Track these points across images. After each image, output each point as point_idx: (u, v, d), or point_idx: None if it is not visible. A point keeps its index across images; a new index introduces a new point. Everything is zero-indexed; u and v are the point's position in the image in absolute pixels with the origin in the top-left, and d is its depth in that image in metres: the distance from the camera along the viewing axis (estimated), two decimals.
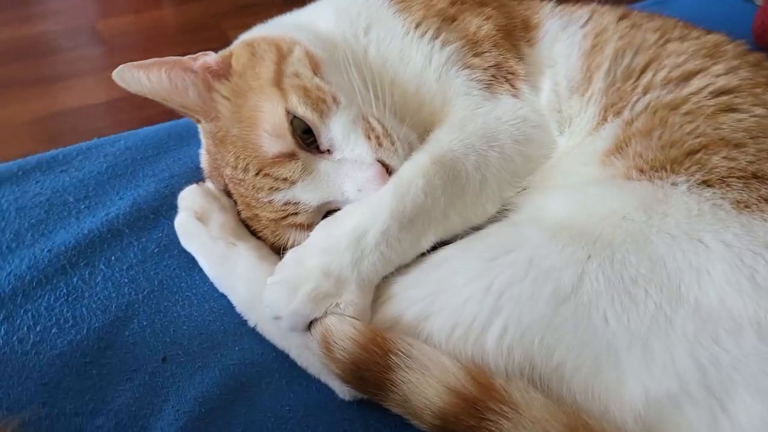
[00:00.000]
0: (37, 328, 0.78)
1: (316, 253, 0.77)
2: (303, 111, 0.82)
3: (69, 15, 2.18)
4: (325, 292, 0.75)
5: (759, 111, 0.84)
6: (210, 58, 0.90)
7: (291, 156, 0.83)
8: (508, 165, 0.87)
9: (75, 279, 0.84)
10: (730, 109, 0.84)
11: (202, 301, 0.86)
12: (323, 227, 0.81)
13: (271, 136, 0.83)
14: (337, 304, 0.76)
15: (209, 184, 0.94)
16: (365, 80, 0.88)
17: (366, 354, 0.73)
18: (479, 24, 0.96)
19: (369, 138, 0.83)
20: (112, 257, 0.88)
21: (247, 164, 0.85)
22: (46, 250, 0.87)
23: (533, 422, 0.66)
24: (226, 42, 0.97)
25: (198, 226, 0.88)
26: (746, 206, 0.75)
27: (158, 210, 0.94)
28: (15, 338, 0.77)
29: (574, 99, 0.92)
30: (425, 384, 0.70)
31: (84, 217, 0.92)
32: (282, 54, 0.88)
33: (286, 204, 0.85)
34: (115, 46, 2.02)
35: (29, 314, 0.80)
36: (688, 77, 0.88)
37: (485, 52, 0.94)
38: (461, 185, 0.83)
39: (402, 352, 0.72)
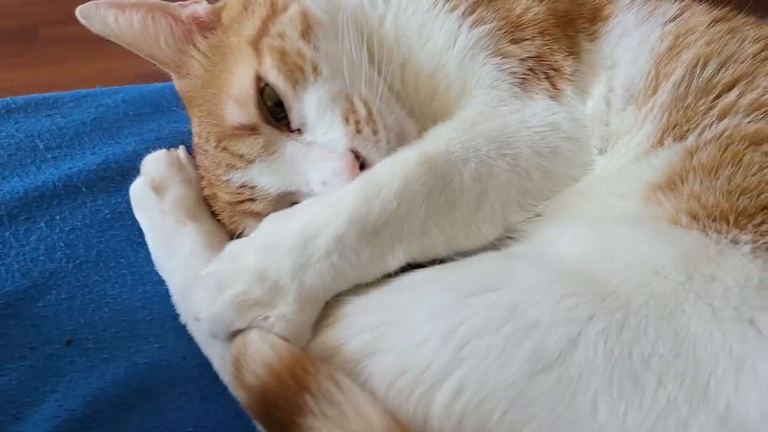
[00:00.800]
0: None
1: (255, 250, 0.63)
2: (275, 77, 0.68)
3: None
4: (254, 299, 0.61)
5: None
6: (201, 7, 0.78)
7: (252, 129, 0.69)
8: (520, 181, 0.68)
9: (7, 233, 0.75)
10: None
11: (137, 283, 0.74)
12: (272, 220, 0.67)
13: (235, 103, 0.69)
14: (266, 317, 0.61)
15: (181, 152, 0.82)
16: (366, 52, 0.73)
17: (278, 386, 0.58)
18: (528, 4, 0.78)
19: (347, 121, 0.68)
20: (57, 216, 0.78)
21: (209, 133, 0.72)
22: None
23: None
24: None
25: (151, 196, 0.76)
26: None
27: (128, 173, 0.83)
28: None
29: (628, 111, 0.72)
30: None
31: (46, 167, 0.83)
32: (275, 10, 0.74)
33: (242, 186, 0.71)
34: None
35: None
36: None
37: (527, 39, 0.75)
38: (451, 197, 0.65)
39: (321, 393, 0.57)
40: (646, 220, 0.63)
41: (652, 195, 0.64)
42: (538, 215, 0.69)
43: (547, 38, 0.76)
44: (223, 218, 0.75)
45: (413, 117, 0.77)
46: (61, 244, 0.75)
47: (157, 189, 0.77)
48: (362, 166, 0.67)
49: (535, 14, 0.77)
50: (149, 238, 0.76)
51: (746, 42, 0.73)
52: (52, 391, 0.64)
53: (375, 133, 0.68)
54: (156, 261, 0.75)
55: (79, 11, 0.72)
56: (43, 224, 0.77)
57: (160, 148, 0.84)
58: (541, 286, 0.59)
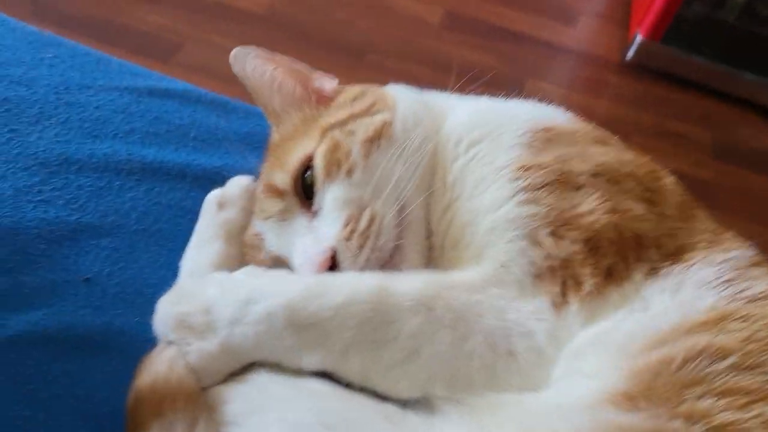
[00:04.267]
0: (54, 192, 0.91)
1: (219, 287, 0.72)
2: (317, 162, 0.76)
3: None
4: (190, 324, 0.70)
5: None
6: (329, 85, 0.90)
7: (280, 194, 0.78)
8: (457, 361, 0.66)
9: (116, 183, 0.94)
10: None
11: (163, 267, 0.88)
12: (248, 271, 0.75)
13: (282, 169, 0.79)
14: (189, 344, 0.70)
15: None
16: (415, 178, 0.77)
17: (146, 400, 0.66)
18: (595, 209, 0.73)
19: (346, 225, 0.73)
20: (156, 188, 0.96)
21: (262, 181, 0.83)
22: (132, 152, 0.99)
23: None
24: None
25: (213, 207, 0.90)
26: None
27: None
28: (35, 189, 0.90)
29: (609, 360, 0.64)
30: None
31: (181, 151, 1.02)
32: (367, 111, 0.82)
33: (256, 234, 0.81)
34: None
35: (63, 181, 0.93)
36: None
37: (566, 238, 0.72)
38: (383, 338, 0.67)
39: (166, 428, 0.64)
40: None
41: None
42: (458, 401, 0.66)
43: (589, 249, 0.71)
44: (244, 252, 0.86)
45: (434, 254, 0.79)
46: (141, 209, 0.93)
47: (221, 205, 0.90)
48: (335, 267, 0.72)
49: (593, 221, 0.72)
50: (192, 238, 0.90)
51: None
52: (48, 306, 0.80)
53: (360, 246, 0.72)
54: (184, 257, 0.88)
55: (233, 52, 0.89)
56: (142, 189, 0.96)
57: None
58: None
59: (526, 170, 0.77)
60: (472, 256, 0.75)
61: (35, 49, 1.11)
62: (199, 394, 0.68)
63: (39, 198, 0.89)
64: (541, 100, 0.91)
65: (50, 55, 1.10)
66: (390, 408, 0.65)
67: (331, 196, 0.75)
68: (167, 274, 0.88)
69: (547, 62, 3.05)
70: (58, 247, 0.86)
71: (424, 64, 2.66)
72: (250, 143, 1.08)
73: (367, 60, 2.73)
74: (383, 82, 0.94)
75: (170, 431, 0.64)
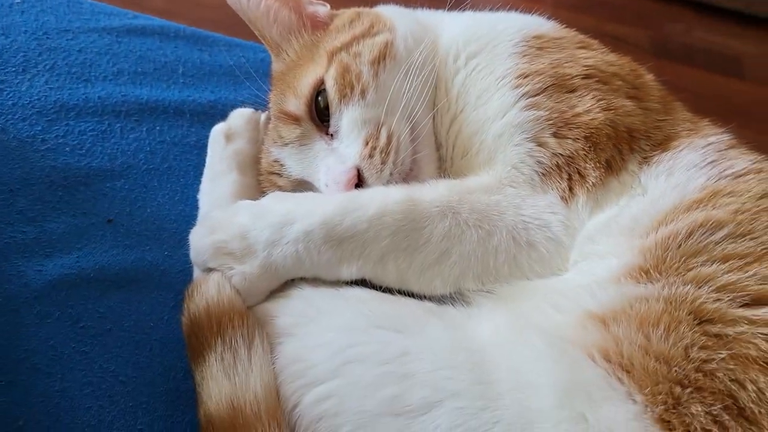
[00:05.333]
0: (58, 140, 0.91)
1: (248, 214, 0.76)
2: (330, 86, 0.80)
3: None
4: (229, 250, 0.74)
5: None
6: (323, 9, 0.91)
7: (296, 120, 0.82)
8: (485, 256, 0.73)
9: (117, 126, 0.96)
10: None
11: (180, 202, 0.91)
12: (274, 197, 0.79)
13: (295, 95, 0.82)
14: (231, 268, 0.74)
15: (263, 117, 0.97)
16: (431, 96, 0.81)
17: (205, 321, 0.71)
18: (591, 108, 0.80)
19: (366, 144, 0.77)
20: (157, 127, 0.98)
21: (273, 110, 0.86)
22: (125, 94, 0.99)
23: None
24: None
25: (221, 140, 0.92)
26: None
27: (227, 116, 1.00)
28: (39, 138, 0.91)
29: (619, 241, 0.73)
30: (218, 385, 0.67)
31: (173, 88, 1.04)
32: (369, 32, 0.85)
33: (275, 161, 0.85)
34: None
35: (65, 128, 0.93)
36: (760, 302, 0.63)
37: (569, 138, 0.78)
38: (416, 243, 0.73)
39: (229, 343, 0.69)
40: (565, 341, 0.65)
41: (583, 322, 0.66)
42: (489, 291, 0.73)
43: (589, 145, 0.78)
44: (260, 180, 0.89)
45: (444, 164, 0.84)
46: (148, 149, 0.95)
47: (228, 137, 0.92)
48: (361, 184, 0.77)
49: (591, 119, 0.79)
50: (205, 172, 0.92)
51: None
52: (78, 249, 0.83)
53: (383, 162, 0.77)
54: (200, 190, 0.91)
55: None
56: (144, 129, 0.97)
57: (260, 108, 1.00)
58: (436, 349, 0.65)
59: (525, 77, 0.82)
60: (482, 162, 0.80)
61: None
62: (249, 313, 0.73)
63: (45, 147, 0.90)
64: (483, 9, 0.96)
65: (18, 0, 1.07)
66: (428, 304, 0.72)
67: (347, 118, 0.79)
68: (185, 209, 0.91)
69: None
70: (75, 192, 0.87)
71: None
72: (238, 75, 1.09)
73: None
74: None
75: (233, 347, 0.69)
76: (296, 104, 0.82)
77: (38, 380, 0.73)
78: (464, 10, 0.99)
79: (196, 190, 0.92)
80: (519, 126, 0.79)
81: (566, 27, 0.93)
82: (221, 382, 0.67)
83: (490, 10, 0.98)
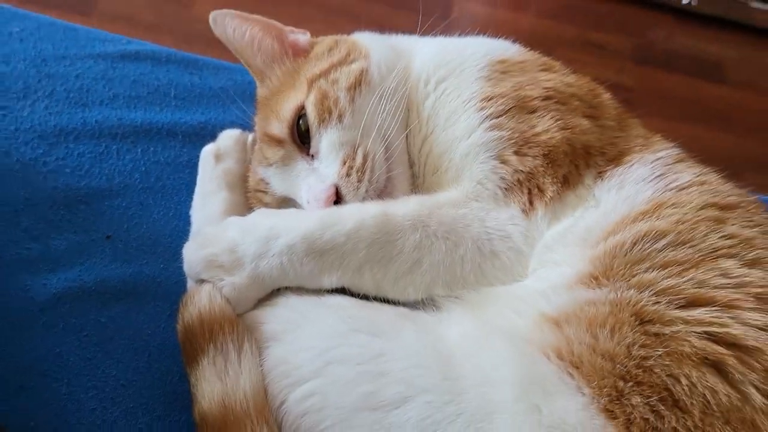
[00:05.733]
0: (59, 162, 0.98)
1: (237, 229, 0.83)
2: (310, 111, 0.87)
3: None
4: (219, 263, 0.81)
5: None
6: (304, 38, 0.99)
7: (279, 142, 0.89)
8: (452, 265, 0.81)
9: (114, 147, 1.03)
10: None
11: (175, 218, 0.99)
12: (260, 213, 0.86)
13: (277, 119, 0.89)
14: (222, 279, 0.81)
15: (250, 137, 1.04)
16: (396, 118, 0.89)
17: (198, 329, 0.78)
18: (550, 128, 0.87)
19: (343, 164, 0.85)
20: (151, 149, 1.05)
21: (258, 132, 0.93)
22: (121, 117, 1.06)
23: None
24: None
25: (210, 160, 0.99)
26: None
27: (216, 137, 1.07)
28: (41, 161, 0.98)
29: (574, 250, 0.80)
30: (210, 386, 0.74)
31: (166, 111, 1.10)
32: (345, 60, 0.93)
33: (261, 180, 0.92)
34: None
35: (65, 150, 1.00)
36: (694, 304, 0.71)
37: (529, 156, 0.86)
38: (390, 254, 0.80)
39: (220, 348, 0.76)
40: (524, 342, 0.73)
41: (540, 324, 0.74)
42: (457, 297, 0.81)
43: (548, 162, 0.85)
44: (247, 197, 0.96)
45: (417, 181, 0.92)
46: (143, 169, 1.02)
47: (217, 157, 1.00)
48: (340, 201, 0.84)
49: (549, 138, 0.86)
50: (196, 190, 0.99)
51: (719, 235, 0.78)
52: (80, 264, 0.90)
53: (359, 181, 0.84)
54: (192, 207, 0.98)
55: (212, 15, 0.96)
56: (139, 150, 1.04)
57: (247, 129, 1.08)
58: (409, 350, 0.72)
59: (489, 100, 0.90)
60: (451, 178, 0.88)
61: (1, 24, 1.14)
62: (238, 320, 0.80)
63: (46, 169, 0.97)
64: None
65: (17, 29, 1.14)
66: (403, 309, 0.80)
67: (326, 140, 0.86)
68: (179, 224, 0.98)
69: None
70: (75, 210, 0.95)
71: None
72: (226, 98, 1.16)
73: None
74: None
75: (224, 351, 0.76)
76: (279, 128, 0.89)
77: (47, 385, 0.80)
78: (436, 33, 1.06)
79: (189, 207, 0.99)
80: (483, 145, 0.87)
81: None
82: (213, 384, 0.74)
83: (466, 29, 1.06)
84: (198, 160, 1.03)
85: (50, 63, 1.10)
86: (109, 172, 1.00)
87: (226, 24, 0.95)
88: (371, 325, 0.76)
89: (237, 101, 1.15)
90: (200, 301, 0.79)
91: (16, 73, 1.07)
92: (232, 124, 1.08)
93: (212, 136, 1.08)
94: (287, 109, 0.89)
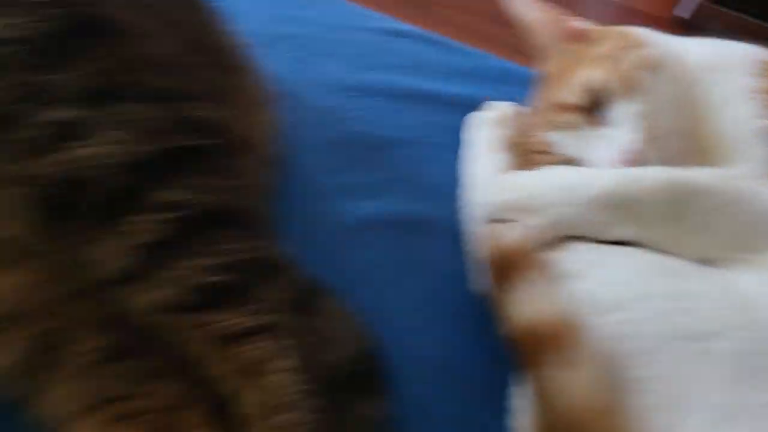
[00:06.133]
0: (355, 112, 1.14)
1: (539, 179, 0.95)
2: (602, 85, 0.98)
3: None
4: (520, 206, 0.93)
5: None
6: (581, 25, 1.11)
7: (571, 109, 1.00)
8: (744, 228, 0.90)
9: (400, 106, 1.18)
10: None
11: (448, 170, 1.10)
12: (555, 169, 0.97)
13: (570, 91, 1.01)
14: (521, 221, 0.93)
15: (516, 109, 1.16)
16: (678, 99, 0.99)
17: (504, 258, 0.89)
18: None
19: (634, 132, 0.95)
20: (423, 109, 1.20)
21: (546, 102, 1.05)
22: (400, 82, 1.22)
23: None
24: None
25: (484, 126, 1.12)
26: None
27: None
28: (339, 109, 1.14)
29: None
30: (527, 300, 0.85)
31: (430, 80, 1.26)
32: (629, 46, 1.03)
33: (547, 142, 1.03)
34: None
35: (358, 103, 1.16)
36: None
37: None
38: (683, 214, 0.90)
39: (527, 279, 0.87)
40: None
41: None
42: (743, 260, 0.89)
43: None
44: (517, 158, 1.08)
45: (690, 158, 1.01)
46: (419, 127, 1.17)
47: (491, 123, 1.12)
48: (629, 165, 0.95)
49: None
50: (469, 151, 1.12)
51: None
52: (382, 197, 1.04)
53: (647, 149, 0.94)
54: (467, 165, 1.10)
55: None
56: (419, 111, 1.19)
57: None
58: (711, 293, 0.82)
59: (758, 94, 0.99)
60: (722, 160, 0.97)
61: None
62: (538, 255, 0.91)
63: (350, 115, 1.12)
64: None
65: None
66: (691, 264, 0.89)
67: (618, 111, 0.97)
68: (453, 176, 1.10)
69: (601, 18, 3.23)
70: (376, 152, 1.10)
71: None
72: (481, 77, 1.30)
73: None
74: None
75: (531, 282, 0.87)
76: (572, 97, 1.00)
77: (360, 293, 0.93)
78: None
79: (455, 163, 1.12)
80: (755, 132, 0.97)
81: None
82: (530, 298, 0.84)
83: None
84: (459, 125, 1.17)
85: (337, 30, 1.27)
86: (396, 125, 1.15)
87: (518, 4, 1.09)
88: (669, 269, 0.86)
89: (489, 81, 1.29)
90: (504, 235, 0.91)
91: (310, 35, 1.24)
92: (485, 99, 1.21)
93: (469, 107, 1.20)
94: (579, 81, 1.01)
